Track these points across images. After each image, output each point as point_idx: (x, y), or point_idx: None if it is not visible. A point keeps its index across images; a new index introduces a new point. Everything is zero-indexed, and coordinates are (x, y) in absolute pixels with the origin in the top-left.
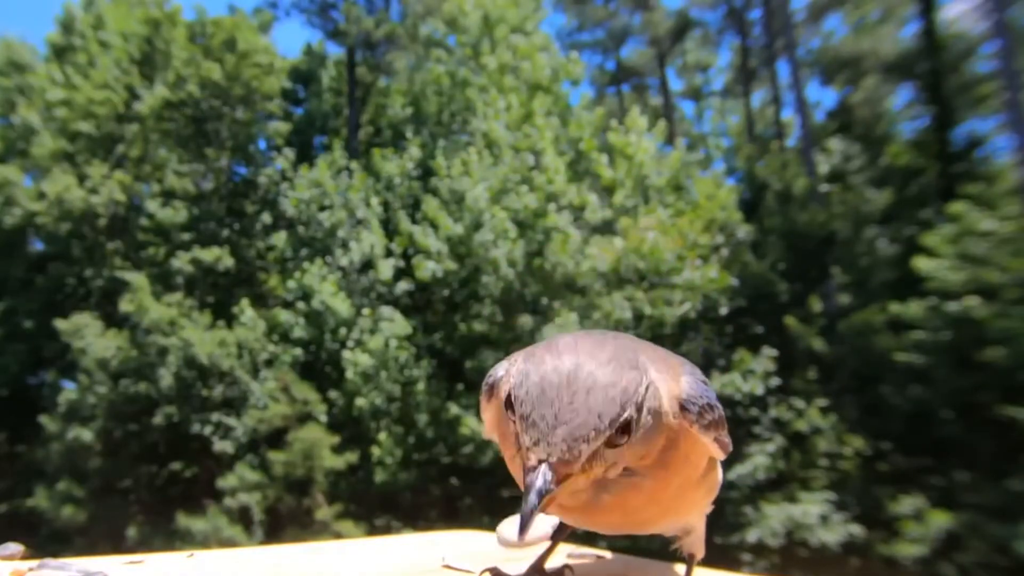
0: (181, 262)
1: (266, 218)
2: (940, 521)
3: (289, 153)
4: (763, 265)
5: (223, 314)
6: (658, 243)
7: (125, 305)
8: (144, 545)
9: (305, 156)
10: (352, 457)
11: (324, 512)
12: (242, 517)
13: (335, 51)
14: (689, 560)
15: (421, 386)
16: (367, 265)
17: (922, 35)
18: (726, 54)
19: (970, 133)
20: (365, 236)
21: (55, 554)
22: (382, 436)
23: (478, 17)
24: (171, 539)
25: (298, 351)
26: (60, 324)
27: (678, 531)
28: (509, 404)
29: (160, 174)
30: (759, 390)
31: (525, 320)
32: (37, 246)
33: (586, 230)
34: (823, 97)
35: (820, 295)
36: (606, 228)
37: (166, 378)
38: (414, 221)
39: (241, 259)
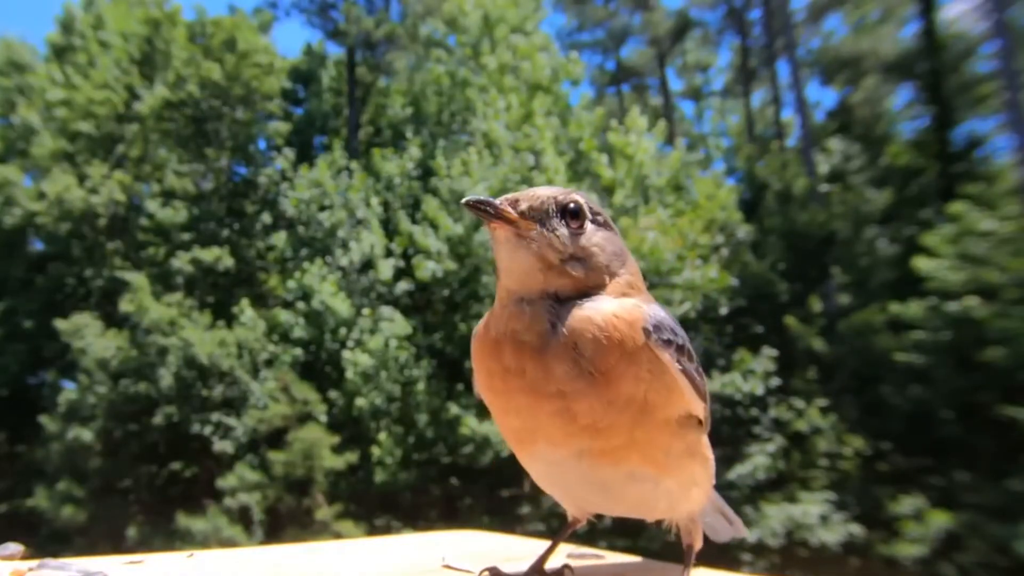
0: (181, 262)
1: (266, 218)
2: (940, 521)
3: (289, 153)
4: (763, 265)
5: (223, 314)
6: (658, 243)
7: (125, 305)
8: (144, 545)
9: (305, 156)
10: (352, 457)
11: (324, 512)
12: (242, 517)
13: (335, 51)
14: (687, 552)
15: (421, 386)
16: (367, 265)
17: (922, 35)
18: (726, 54)
19: (970, 133)
20: (365, 236)
21: (55, 554)
22: (382, 436)
23: (478, 17)
24: (171, 539)
25: (298, 351)
26: (60, 324)
27: (661, 502)
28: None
29: (160, 174)
30: (759, 390)
31: None
32: (37, 246)
33: None
34: (823, 97)
35: (820, 295)
36: None
37: (166, 378)
38: (414, 221)
39: (241, 259)
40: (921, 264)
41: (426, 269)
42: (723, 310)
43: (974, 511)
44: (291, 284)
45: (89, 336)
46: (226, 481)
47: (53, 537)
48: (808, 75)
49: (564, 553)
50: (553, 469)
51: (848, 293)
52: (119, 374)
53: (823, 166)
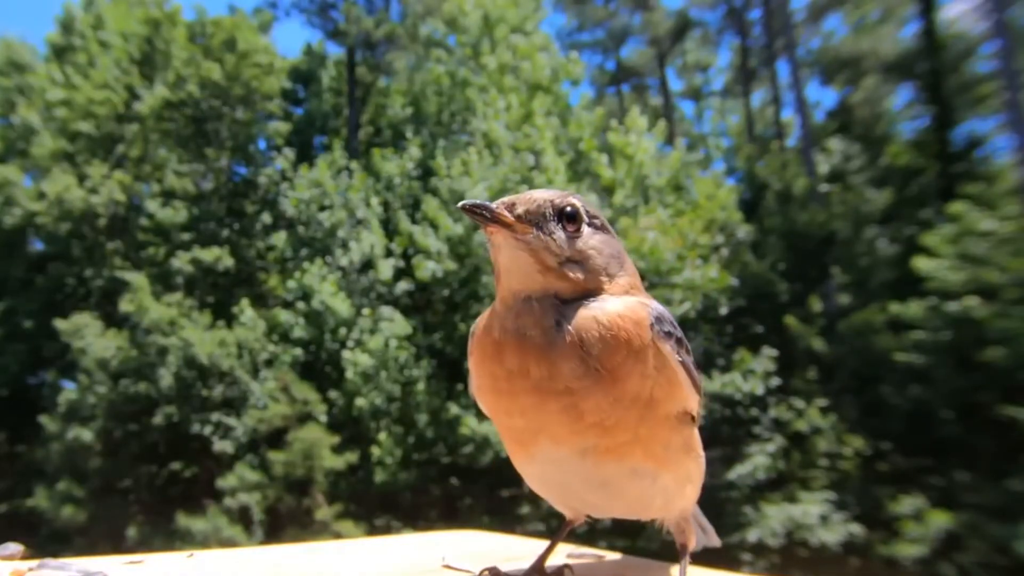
0: (181, 262)
1: (266, 218)
2: (940, 521)
3: (289, 153)
4: (763, 265)
5: (223, 314)
6: (658, 243)
7: (125, 305)
8: (144, 545)
9: (305, 156)
10: (352, 457)
11: (324, 512)
12: (242, 517)
13: (335, 51)
14: (681, 551)
15: (421, 386)
16: (367, 265)
17: (922, 35)
18: (726, 54)
19: (970, 133)
20: (365, 236)
21: (55, 554)
22: (382, 436)
23: (478, 17)
24: (171, 539)
25: (298, 351)
26: (60, 324)
27: (658, 498)
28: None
29: (160, 174)
30: (759, 390)
31: None
32: (37, 246)
33: None
34: (823, 97)
35: (820, 295)
36: None
37: (166, 378)
38: (414, 221)
39: (241, 259)
40: (921, 264)
41: (426, 269)
42: (723, 310)
43: (974, 511)
44: (291, 284)
45: (89, 336)
46: (226, 481)
47: (53, 537)
48: (808, 75)
49: (564, 553)
50: (553, 468)
51: (848, 293)
52: (119, 374)
53: (823, 166)
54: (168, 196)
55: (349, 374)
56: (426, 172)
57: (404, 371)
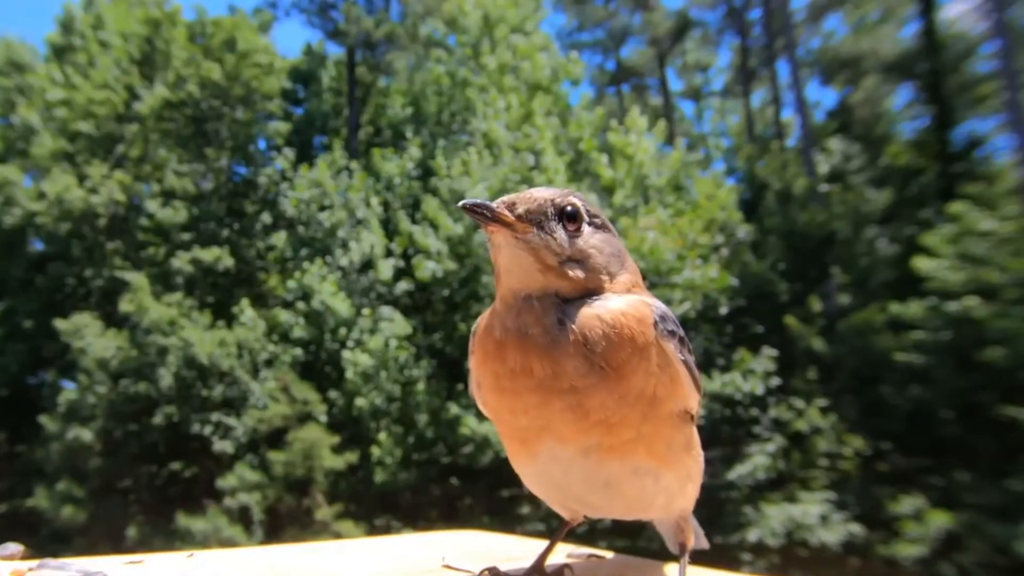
0: (181, 262)
1: (266, 218)
2: (940, 521)
3: (289, 153)
4: (763, 265)
5: (223, 314)
6: (658, 243)
7: (125, 305)
8: (144, 545)
9: (305, 156)
10: (352, 457)
11: (324, 512)
12: (242, 517)
13: (335, 51)
14: (681, 550)
15: (421, 386)
16: (367, 265)
17: (922, 35)
18: (726, 54)
19: (970, 133)
20: (365, 236)
21: (55, 554)
22: (382, 436)
23: (478, 17)
24: (171, 539)
25: (298, 351)
26: (60, 324)
27: (660, 497)
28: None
29: (160, 174)
30: (759, 390)
31: None
32: (37, 246)
33: None
34: (823, 97)
35: (820, 295)
36: None
37: (166, 378)
38: (414, 221)
39: (241, 259)
40: (921, 264)
41: (426, 269)
42: (723, 310)
43: (974, 511)
44: (291, 284)
45: (89, 336)
46: (226, 481)
47: (53, 537)
48: (808, 75)
49: (564, 553)
50: (555, 468)
51: (848, 293)
52: (119, 374)
53: (823, 166)
54: (168, 196)
55: (349, 374)
56: (426, 172)
57: (404, 371)
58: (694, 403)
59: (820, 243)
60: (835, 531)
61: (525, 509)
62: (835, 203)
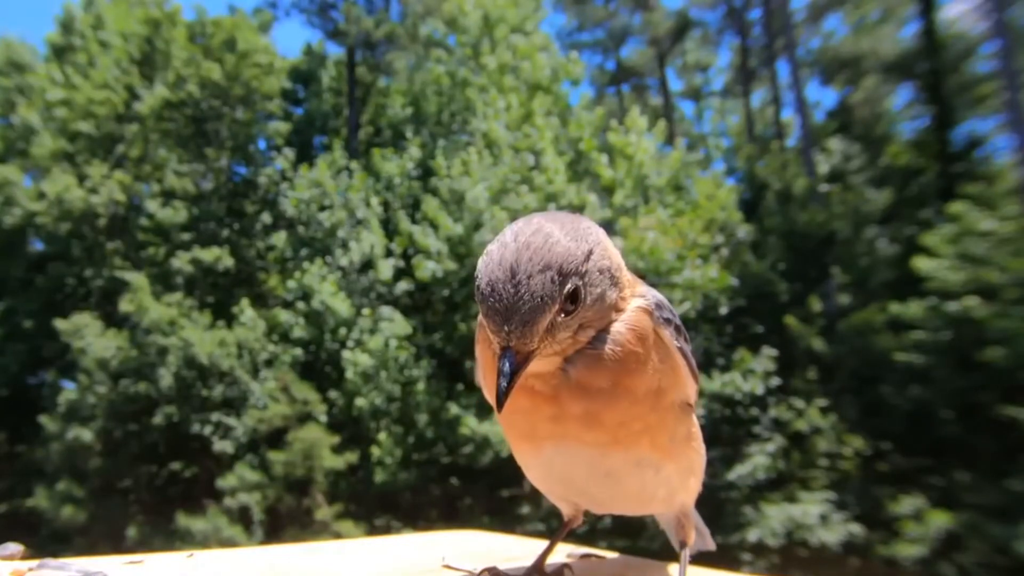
0: (181, 262)
1: (266, 218)
2: (940, 521)
3: (289, 153)
4: (763, 265)
5: (223, 314)
6: (658, 243)
7: (125, 305)
8: (144, 545)
9: (305, 156)
10: (352, 457)
11: (324, 512)
12: (242, 517)
13: (335, 51)
14: (682, 549)
15: (421, 386)
16: (367, 265)
17: (922, 35)
18: (726, 54)
19: (970, 133)
20: (365, 236)
21: (55, 554)
22: (382, 436)
23: (478, 17)
24: (171, 539)
25: (298, 351)
26: (60, 324)
27: (660, 490)
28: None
29: (160, 174)
30: (759, 390)
31: None
32: (37, 246)
33: None
34: (823, 97)
35: (820, 295)
36: (606, 228)
37: (166, 378)
38: (414, 221)
39: (241, 259)
40: (921, 264)
41: (426, 269)
42: (723, 310)
43: (974, 511)
44: (291, 284)
45: (89, 336)
46: (226, 481)
47: (53, 537)
48: (808, 75)
49: (564, 553)
50: (558, 459)
51: (848, 293)
52: (119, 374)
53: (823, 166)
54: (168, 196)
55: (349, 374)
56: (426, 172)
57: (404, 371)
58: (692, 392)
59: (820, 243)
60: (835, 531)
61: (525, 509)
62: (835, 203)
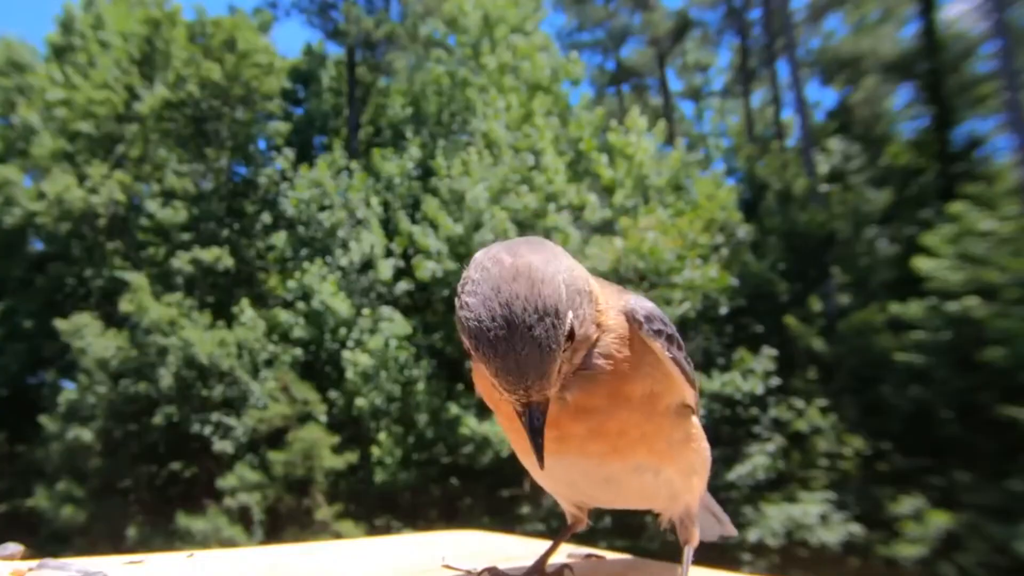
0: (181, 262)
1: (266, 218)
2: (940, 521)
3: (289, 153)
4: (763, 265)
5: (223, 314)
6: (658, 243)
7: (125, 305)
8: (144, 545)
9: (305, 156)
10: (352, 457)
11: (324, 512)
12: (242, 517)
13: (335, 51)
14: (685, 550)
15: (421, 386)
16: (367, 265)
17: (922, 35)
18: (726, 54)
19: (970, 133)
20: (365, 236)
21: (55, 554)
22: (382, 436)
23: (478, 17)
24: (171, 539)
25: (298, 351)
26: (60, 324)
27: (662, 491)
28: (470, 354)
29: (160, 174)
30: (759, 389)
31: None
32: (37, 246)
33: (586, 230)
34: (823, 97)
35: (820, 295)
36: (606, 228)
37: (166, 378)
38: (414, 221)
39: (241, 259)
40: (921, 264)
41: (426, 269)
42: (723, 310)
43: (974, 511)
44: (291, 284)
45: (89, 336)
46: (226, 481)
47: (53, 537)
48: (808, 75)
49: (564, 553)
50: (558, 467)
51: (848, 293)
52: (119, 374)
53: (823, 166)
54: (168, 196)
55: (349, 374)
56: (426, 172)
57: (404, 371)
58: (690, 396)
59: (820, 243)
60: (835, 531)
61: (525, 509)
62: (835, 203)
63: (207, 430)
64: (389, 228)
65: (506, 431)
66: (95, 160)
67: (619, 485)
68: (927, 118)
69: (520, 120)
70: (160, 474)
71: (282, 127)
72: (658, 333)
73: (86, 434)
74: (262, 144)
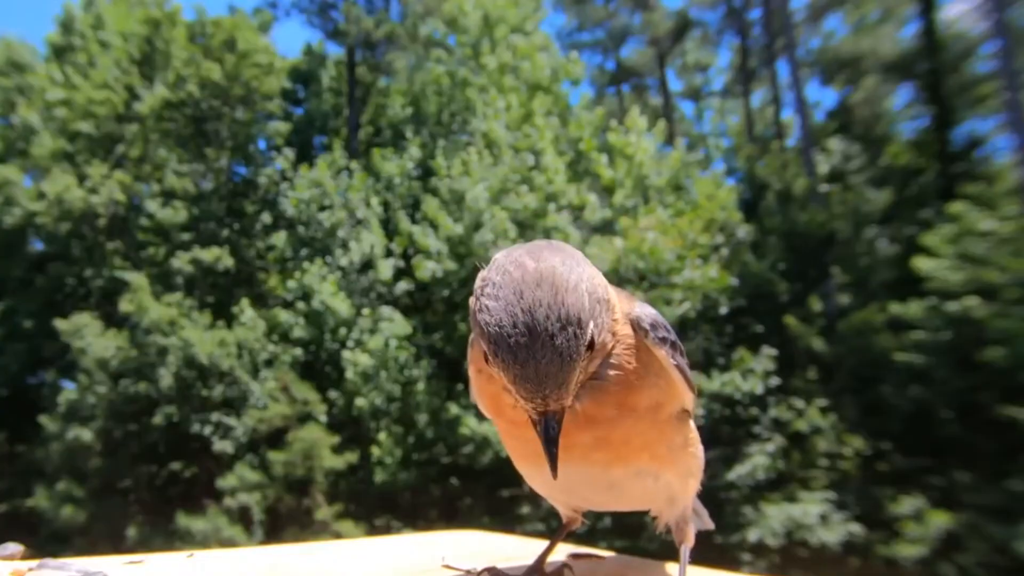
0: (181, 262)
1: (266, 218)
2: (940, 521)
3: (289, 153)
4: (763, 265)
5: (223, 314)
6: (658, 243)
7: (125, 305)
8: (144, 545)
9: (305, 156)
10: (352, 457)
11: (324, 512)
12: (242, 517)
13: (335, 51)
14: (681, 551)
15: (421, 386)
16: (367, 265)
17: (922, 35)
18: (726, 54)
19: (970, 133)
20: (365, 236)
21: (55, 554)
22: (382, 436)
23: (478, 17)
24: (171, 539)
25: (298, 351)
26: (60, 324)
27: (660, 495)
28: (487, 359)
29: (160, 174)
30: (759, 389)
31: None
32: (37, 246)
33: (586, 230)
34: (823, 97)
35: (820, 295)
36: (606, 228)
37: (166, 378)
38: (414, 221)
39: (241, 259)
40: (921, 264)
41: (426, 269)
42: (723, 310)
43: (974, 511)
44: (291, 284)
45: (89, 336)
46: (226, 481)
47: (53, 537)
48: (808, 75)
49: (564, 553)
50: (563, 471)
51: (848, 293)
52: (119, 374)
53: (823, 166)
54: (168, 196)
55: (349, 374)
56: (426, 172)
57: (404, 371)
58: (689, 401)
59: (820, 243)
60: (835, 531)
61: (525, 509)
62: (835, 203)
63: (207, 430)
64: (389, 228)
65: (504, 437)
66: (95, 160)
67: (620, 490)
68: (927, 118)
69: (520, 120)
70: (160, 474)
71: (282, 127)
72: (663, 341)
73: (86, 434)
74: (262, 144)
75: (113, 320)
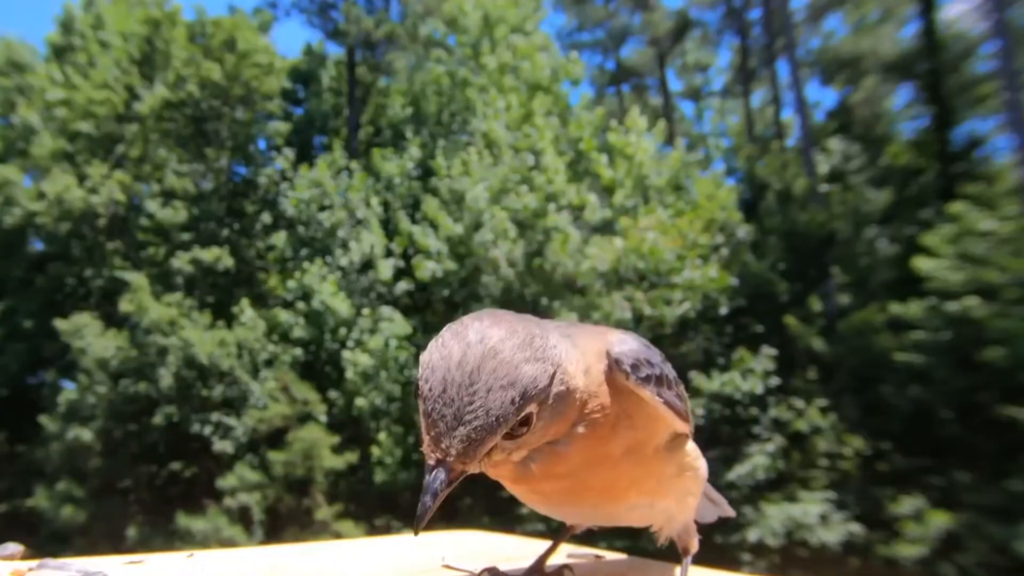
0: (181, 262)
1: (266, 218)
2: (940, 521)
3: (289, 153)
4: (763, 265)
5: (223, 314)
6: (658, 243)
7: (125, 305)
8: (144, 545)
9: (305, 156)
10: (352, 457)
11: (324, 512)
12: (242, 517)
13: (335, 51)
14: (684, 556)
15: None
16: (367, 265)
17: (922, 35)
18: (726, 54)
19: (970, 133)
20: (365, 236)
21: (55, 554)
22: (382, 436)
23: (478, 17)
24: (171, 539)
25: (298, 351)
26: (60, 324)
27: (659, 518)
28: (416, 395)
29: (160, 174)
30: (759, 389)
31: None
32: (37, 246)
33: (586, 230)
34: (823, 97)
35: (820, 295)
36: (606, 228)
37: (166, 378)
38: (414, 221)
39: (241, 259)
40: (921, 264)
41: (426, 269)
42: (723, 310)
43: (974, 511)
44: (291, 284)
45: (89, 336)
46: (226, 481)
47: (53, 537)
48: (808, 75)
49: (564, 553)
50: (544, 506)
51: (848, 293)
52: (119, 374)
53: (823, 166)
54: (168, 196)
55: (349, 374)
56: (426, 172)
57: (404, 371)
58: (682, 427)
59: (820, 243)
60: (835, 531)
61: (525, 509)
62: (835, 203)
63: (207, 430)
64: (389, 228)
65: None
66: (95, 160)
67: (617, 518)
68: (927, 118)
69: (520, 120)
70: (160, 474)
71: (282, 127)
72: (647, 380)
73: (86, 434)
74: (262, 144)
75: (113, 320)
